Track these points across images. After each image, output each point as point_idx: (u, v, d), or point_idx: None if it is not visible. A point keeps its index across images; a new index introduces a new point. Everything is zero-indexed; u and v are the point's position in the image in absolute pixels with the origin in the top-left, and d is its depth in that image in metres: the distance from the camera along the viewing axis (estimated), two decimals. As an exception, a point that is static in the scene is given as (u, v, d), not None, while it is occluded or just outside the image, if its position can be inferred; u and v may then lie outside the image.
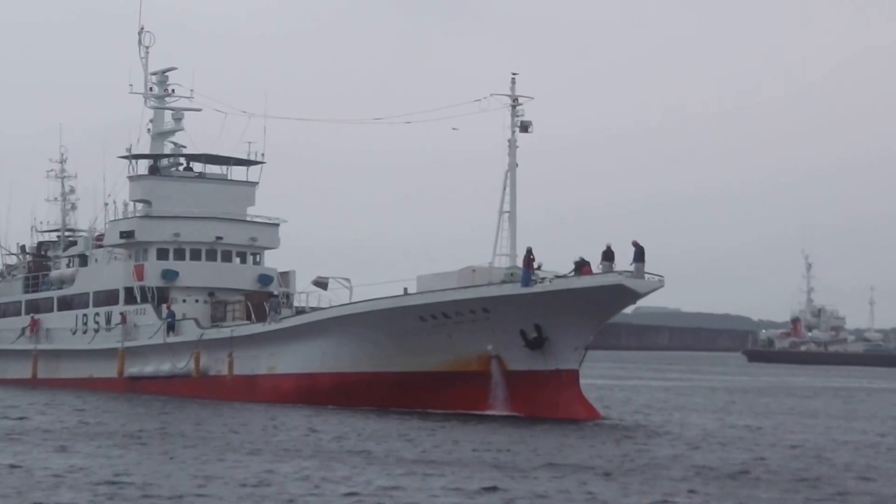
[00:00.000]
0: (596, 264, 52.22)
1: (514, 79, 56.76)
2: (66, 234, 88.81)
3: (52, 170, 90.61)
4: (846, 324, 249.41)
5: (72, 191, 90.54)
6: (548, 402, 53.21)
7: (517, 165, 56.50)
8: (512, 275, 54.19)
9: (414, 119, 64.89)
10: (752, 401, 76.50)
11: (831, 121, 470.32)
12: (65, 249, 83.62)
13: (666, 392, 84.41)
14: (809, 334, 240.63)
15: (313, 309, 65.58)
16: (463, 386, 54.66)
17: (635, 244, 51.10)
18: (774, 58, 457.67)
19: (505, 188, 56.27)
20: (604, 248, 52.41)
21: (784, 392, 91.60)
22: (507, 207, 56.11)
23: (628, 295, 51.77)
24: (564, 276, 52.81)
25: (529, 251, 53.11)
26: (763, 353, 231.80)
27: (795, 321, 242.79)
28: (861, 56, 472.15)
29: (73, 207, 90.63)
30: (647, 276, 51.29)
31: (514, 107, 56.41)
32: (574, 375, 54.09)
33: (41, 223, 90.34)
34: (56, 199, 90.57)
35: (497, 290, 53.65)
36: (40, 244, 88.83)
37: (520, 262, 54.57)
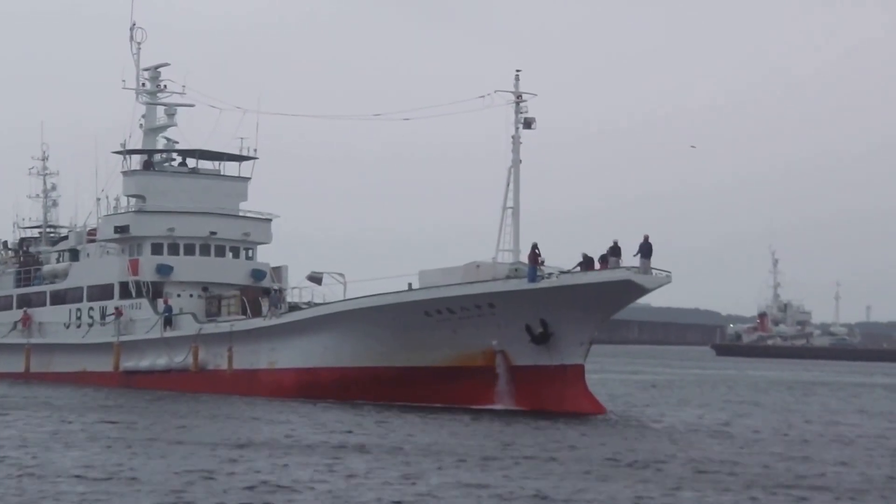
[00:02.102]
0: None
1: (517, 75, 57.17)
2: (48, 230, 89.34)
3: (33, 167, 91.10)
4: (812, 318, 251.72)
5: (53, 188, 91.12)
6: (553, 396, 53.75)
7: (521, 162, 57.05)
8: (516, 270, 54.74)
9: (413, 116, 65.45)
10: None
11: (800, 121, 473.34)
12: (54, 245, 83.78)
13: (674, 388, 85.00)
14: (776, 329, 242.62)
15: (307, 304, 65.99)
16: (467, 381, 55.18)
17: (646, 238, 51.67)
18: (751, 58, 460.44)
19: (508, 184, 56.76)
20: (611, 243, 53.07)
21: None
22: (510, 203, 56.60)
23: (635, 290, 52.40)
24: (570, 272, 53.41)
25: (535, 246, 53.61)
26: (731, 348, 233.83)
27: (762, 316, 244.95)
28: (836, 59, 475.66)
29: (55, 204, 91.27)
30: (653, 271, 51.93)
31: (517, 103, 56.89)
32: (579, 370, 54.52)
33: (23, 220, 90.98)
34: (38, 195, 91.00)
35: (503, 285, 54.13)
36: (22, 240, 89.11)
37: (523, 258, 55.21)
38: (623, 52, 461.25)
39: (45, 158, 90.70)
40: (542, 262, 53.90)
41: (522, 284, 53.38)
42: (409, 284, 57.60)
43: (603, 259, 52.86)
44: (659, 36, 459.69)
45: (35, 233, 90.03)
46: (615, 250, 52.71)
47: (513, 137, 56.97)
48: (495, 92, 56.67)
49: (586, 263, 53.37)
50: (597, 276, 52.43)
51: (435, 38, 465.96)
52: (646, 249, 51.47)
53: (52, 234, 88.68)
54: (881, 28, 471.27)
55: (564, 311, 52.80)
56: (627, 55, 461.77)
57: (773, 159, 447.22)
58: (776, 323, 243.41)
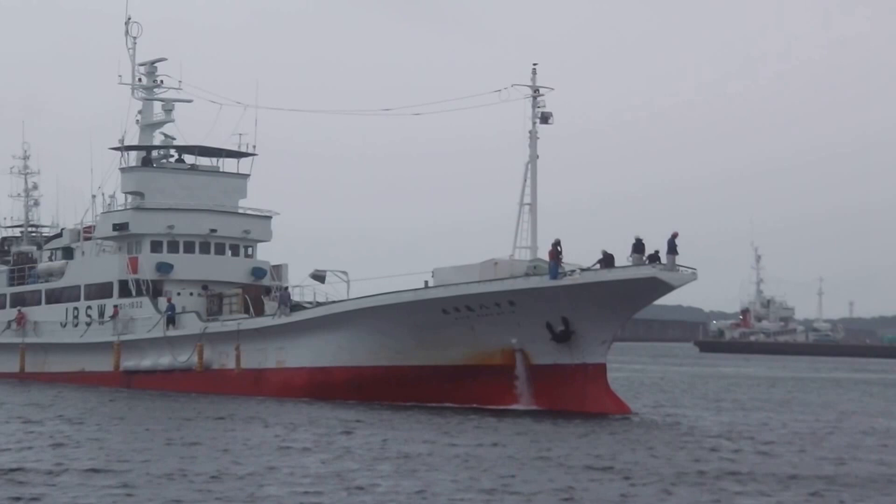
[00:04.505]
0: (625, 257, 51.72)
1: (534, 69, 56.11)
2: (30, 229, 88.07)
3: (14, 166, 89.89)
4: (795, 314, 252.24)
5: (35, 187, 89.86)
6: (575, 396, 52.65)
7: (538, 157, 55.94)
8: (535, 267, 53.55)
9: (424, 111, 64.39)
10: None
11: (784, 118, 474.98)
12: (37, 245, 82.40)
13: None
14: (759, 325, 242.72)
15: (309, 303, 64.69)
16: (486, 380, 54.03)
17: (674, 235, 50.59)
18: (736, 52, 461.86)
19: (525, 180, 55.59)
20: (633, 240, 51.92)
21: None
22: (527, 199, 55.44)
23: (661, 288, 51.27)
24: (591, 269, 52.24)
25: (557, 243, 52.40)
26: (714, 344, 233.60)
27: (745, 312, 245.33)
28: (821, 55, 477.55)
29: (37, 203, 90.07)
30: (679, 268, 50.85)
31: (534, 98, 55.73)
32: (601, 369, 53.47)
33: (4, 219, 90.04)
34: (19, 195, 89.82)
35: (525, 282, 52.92)
36: (3, 239, 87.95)
37: (541, 255, 54.07)
38: (617, 51, 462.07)
39: (26, 157, 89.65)
40: (561, 259, 52.76)
41: (545, 282, 52.17)
42: (426, 282, 56.30)
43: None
44: (649, 36, 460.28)
45: (17, 232, 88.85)
46: (639, 246, 51.50)
47: (530, 133, 55.85)
48: (512, 86, 55.64)
49: (606, 261, 52.26)
50: (622, 273, 51.25)
51: (432, 37, 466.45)
52: (673, 246, 50.36)
53: (33, 234, 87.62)
54: (867, 23, 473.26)
55: (587, 309, 51.68)
56: (622, 53, 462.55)
57: (755, 156, 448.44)
58: (759, 319, 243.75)
